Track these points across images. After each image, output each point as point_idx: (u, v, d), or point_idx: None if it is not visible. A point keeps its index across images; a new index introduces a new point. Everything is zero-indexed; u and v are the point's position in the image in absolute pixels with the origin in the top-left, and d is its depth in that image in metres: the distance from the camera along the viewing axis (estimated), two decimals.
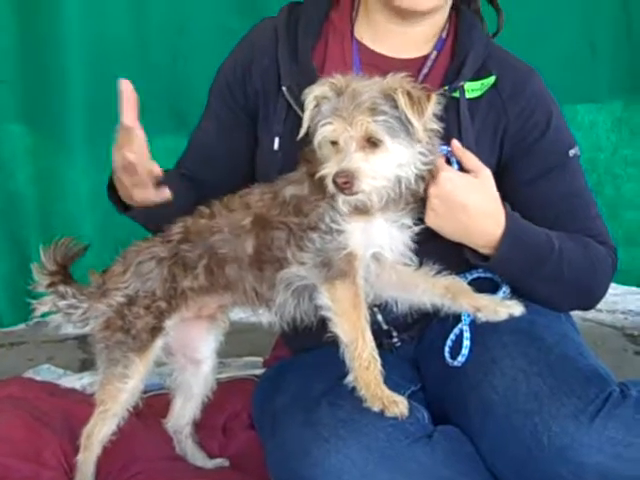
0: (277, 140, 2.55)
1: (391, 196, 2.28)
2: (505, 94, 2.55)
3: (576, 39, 4.57)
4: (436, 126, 2.31)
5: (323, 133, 2.25)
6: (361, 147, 2.21)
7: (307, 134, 2.34)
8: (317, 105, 2.30)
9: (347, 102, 2.22)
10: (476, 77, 2.53)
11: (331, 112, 2.24)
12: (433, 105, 2.26)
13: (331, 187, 2.22)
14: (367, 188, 2.21)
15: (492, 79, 2.54)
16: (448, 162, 2.43)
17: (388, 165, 2.23)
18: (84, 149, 4.26)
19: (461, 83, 2.50)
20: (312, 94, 2.30)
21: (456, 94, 2.51)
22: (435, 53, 2.59)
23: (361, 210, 2.29)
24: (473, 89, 2.52)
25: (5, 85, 4.19)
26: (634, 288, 4.49)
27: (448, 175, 2.37)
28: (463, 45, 2.57)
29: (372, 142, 2.21)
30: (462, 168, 2.44)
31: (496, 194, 2.43)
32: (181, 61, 4.29)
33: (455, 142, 2.42)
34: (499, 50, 2.62)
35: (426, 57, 2.59)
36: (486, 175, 2.42)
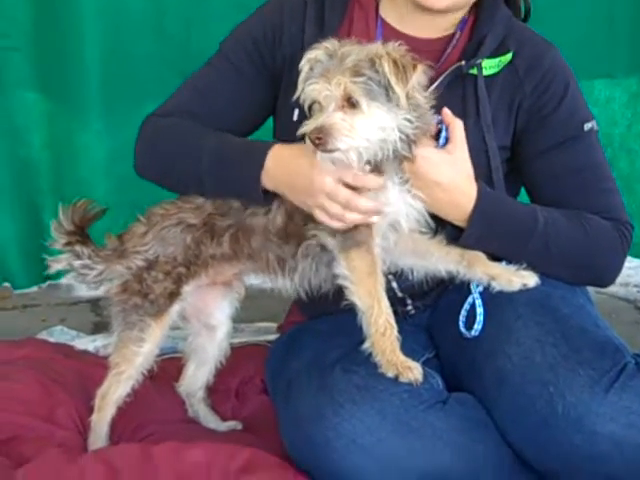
0: (297, 111, 2.53)
1: (377, 157, 2.27)
2: (522, 69, 2.54)
3: (594, 14, 4.56)
4: (420, 96, 2.28)
5: (307, 93, 2.26)
6: (340, 107, 2.20)
7: None
8: (311, 68, 2.30)
9: (335, 64, 2.23)
10: (494, 54, 2.52)
11: (319, 73, 2.25)
12: (419, 75, 2.25)
13: (308, 144, 2.22)
14: (342, 146, 2.20)
15: (509, 56, 2.52)
16: (439, 131, 2.42)
17: (366, 126, 2.21)
18: (99, 115, 4.27)
19: (479, 60, 2.49)
20: (307, 57, 2.30)
21: (474, 71, 2.50)
22: (459, 33, 2.57)
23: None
24: (490, 66, 2.51)
25: (20, 52, 4.18)
26: None
27: (421, 152, 2.34)
28: (483, 24, 2.55)
29: (352, 103, 2.20)
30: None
31: (468, 168, 2.42)
32: (195, 30, 4.27)
33: (445, 109, 2.40)
34: (520, 28, 2.61)
35: (450, 37, 2.58)
36: (460, 149, 2.41)
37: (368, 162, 2.27)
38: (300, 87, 2.31)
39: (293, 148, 2.40)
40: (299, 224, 2.41)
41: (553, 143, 2.55)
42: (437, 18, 2.55)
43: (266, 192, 2.44)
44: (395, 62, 2.21)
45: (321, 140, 2.18)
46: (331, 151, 2.21)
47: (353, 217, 2.32)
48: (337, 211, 2.31)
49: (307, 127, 2.23)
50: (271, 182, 2.42)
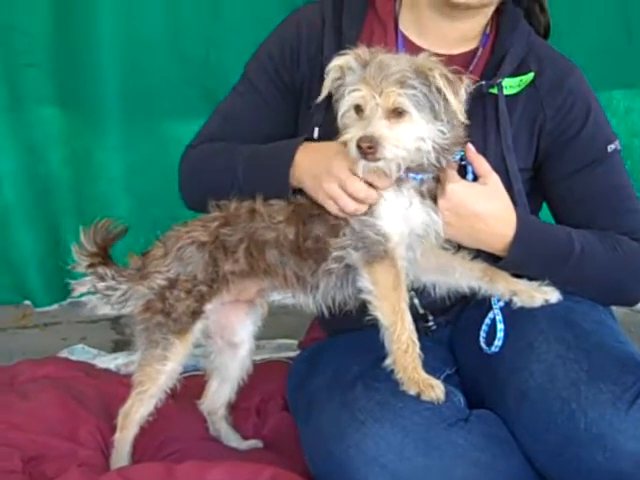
0: (317, 130, 2.55)
1: (412, 166, 2.29)
2: (543, 90, 2.53)
3: (612, 25, 4.53)
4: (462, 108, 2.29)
5: (351, 99, 2.26)
6: (386, 117, 2.22)
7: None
8: (340, 78, 2.31)
9: (375, 72, 2.24)
10: (515, 73, 2.52)
11: (358, 81, 2.26)
12: (465, 87, 2.27)
13: (353, 152, 2.24)
14: (389, 155, 2.22)
15: (531, 76, 2.52)
16: (462, 167, 2.43)
17: (410, 136, 2.24)
18: (117, 131, 4.28)
19: (499, 80, 2.49)
20: (336, 62, 2.32)
21: (494, 90, 2.49)
22: (481, 49, 2.58)
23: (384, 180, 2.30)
24: (511, 85, 2.51)
25: (38, 68, 4.19)
26: None
27: (455, 187, 2.38)
28: (503, 42, 2.55)
29: (397, 113, 2.22)
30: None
31: (506, 198, 2.44)
32: (214, 49, 4.29)
33: (469, 146, 2.42)
34: (541, 46, 2.60)
35: (472, 53, 2.58)
36: (494, 181, 2.43)
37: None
38: (326, 91, 2.34)
39: (321, 143, 2.45)
40: (314, 242, 2.41)
41: (577, 167, 2.55)
42: (458, 24, 2.55)
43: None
44: (446, 76, 2.24)
45: (371, 149, 2.20)
46: (377, 160, 2.23)
47: (362, 210, 2.34)
48: (348, 205, 2.33)
49: (352, 134, 2.24)
50: (297, 174, 2.45)
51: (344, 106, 2.29)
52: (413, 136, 2.24)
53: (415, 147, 2.25)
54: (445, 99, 2.24)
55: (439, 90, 2.24)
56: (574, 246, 2.47)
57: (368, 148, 2.20)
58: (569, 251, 2.47)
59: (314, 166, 2.43)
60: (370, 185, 2.32)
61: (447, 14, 2.53)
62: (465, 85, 2.27)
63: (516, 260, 2.44)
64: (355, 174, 2.31)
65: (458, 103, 2.25)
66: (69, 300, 4.26)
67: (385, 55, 2.30)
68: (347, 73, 2.30)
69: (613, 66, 4.50)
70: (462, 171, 2.45)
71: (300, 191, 2.46)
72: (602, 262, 2.50)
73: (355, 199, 2.33)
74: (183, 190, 2.78)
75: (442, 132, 2.29)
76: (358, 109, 2.26)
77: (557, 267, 2.46)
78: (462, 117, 2.27)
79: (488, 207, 2.42)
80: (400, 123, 2.23)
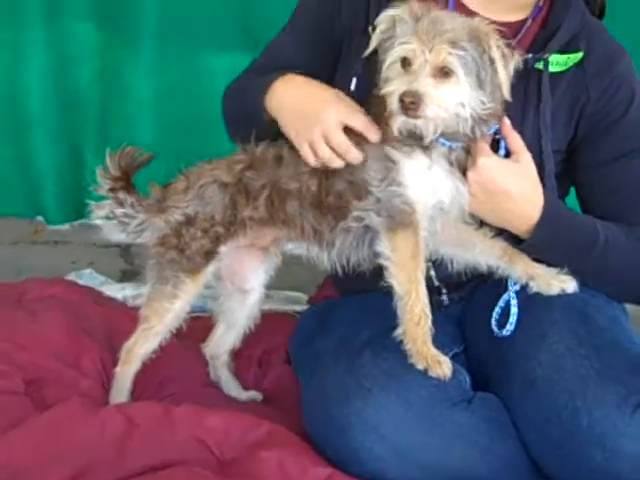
0: (355, 80, 2.51)
1: (445, 131, 2.26)
2: (590, 72, 2.48)
3: None
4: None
5: (399, 51, 2.23)
6: (432, 74, 2.19)
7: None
8: (390, 29, 2.28)
9: (428, 27, 2.20)
10: (564, 51, 2.46)
11: (410, 33, 2.22)
12: (515, 63, 2.24)
13: (395, 106, 2.21)
14: (431, 114, 2.19)
15: (579, 55, 2.47)
16: (496, 141, 2.40)
17: (454, 99, 2.21)
18: (151, 54, 4.24)
19: (546, 55, 2.44)
20: (387, 13, 2.28)
21: (540, 65, 2.44)
22: (530, 21, 2.52)
23: (414, 140, 2.29)
24: (558, 62, 2.45)
25: None
26: None
27: (487, 161, 2.35)
28: (556, 16, 2.49)
29: (444, 72, 2.19)
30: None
31: (536, 178, 2.41)
32: None
33: (505, 120, 2.38)
34: (594, 27, 2.54)
35: (521, 22, 2.52)
36: (527, 159, 2.39)
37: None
38: (375, 42, 2.30)
39: (310, 80, 2.45)
40: (335, 199, 2.39)
41: (614, 155, 2.51)
42: None
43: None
44: (502, 48, 2.21)
45: (414, 105, 2.17)
46: (417, 117, 2.20)
47: (336, 164, 2.35)
48: (324, 154, 2.34)
49: (395, 87, 2.21)
50: (274, 102, 2.46)
51: (391, 57, 2.25)
52: (456, 99, 2.21)
53: (455, 111, 2.22)
54: (494, 70, 2.21)
55: (491, 60, 2.21)
56: (599, 236, 2.44)
57: (411, 103, 2.17)
58: (593, 241, 2.44)
59: (298, 105, 2.43)
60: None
61: None
62: (515, 61, 2.24)
63: (538, 244, 2.41)
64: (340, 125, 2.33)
65: (506, 78, 2.22)
66: (81, 221, 4.25)
67: (440, 12, 2.26)
68: (399, 24, 2.26)
69: None
70: (495, 145, 2.41)
71: None
72: (626, 256, 2.48)
73: (335, 151, 2.33)
74: (225, 121, 2.75)
75: (482, 102, 2.25)
76: (405, 62, 2.22)
77: (579, 256, 2.43)
78: (507, 93, 2.25)
79: (518, 186, 2.38)
80: (445, 83, 2.20)
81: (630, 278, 2.52)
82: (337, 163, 2.35)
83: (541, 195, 2.41)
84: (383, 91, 2.26)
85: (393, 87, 2.22)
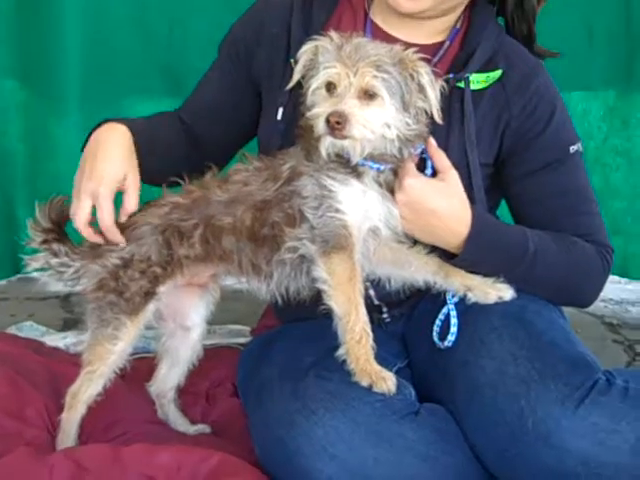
0: (281, 110, 2.55)
1: (373, 153, 2.30)
2: (510, 89, 2.53)
3: (574, 26, 4.55)
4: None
5: (324, 76, 2.27)
6: (358, 97, 2.23)
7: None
8: (313, 58, 2.33)
9: (351, 52, 2.25)
10: (483, 70, 2.52)
11: (333, 59, 2.27)
12: (440, 87, 2.31)
13: (321, 127, 2.24)
14: (357, 134, 2.23)
15: (498, 73, 2.52)
16: (423, 160, 2.44)
17: (379, 120, 2.25)
18: (76, 108, 4.21)
19: (467, 74, 2.50)
20: (310, 44, 2.34)
21: (461, 84, 2.50)
22: (448, 43, 2.59)
23: (345, 167, 2.32)
24: (478, 81, 2.51)
25: (0, 41, 4.13)
26: (615, 277, 4.49)
27: (412, 182, 2.39)
28: (473, 37, 2.55)
29: (369, 95, 2.24)
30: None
31: (463, 196, 2.45)
32: (178, 28, 4.23)
33: (431, 140, 2.43)
34: (510, 45, 2.60)
35: (439, 44, 2.59)
36: (452, 177, 2.43)
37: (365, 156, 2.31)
38: (299, 74, 2.36)
39: (124, 146, 2.51)
40: (269, 229, 2.40)
41: (538, 166, 2.56)
42: (422, 23, 2.55)
43: None
44: (428, 73, 2.28)
45: (340, 125, 2.21)
46: (344, 137, 2.24)
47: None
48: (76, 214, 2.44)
49: (322, 109, 2.25)
50: (91, 137, 2.55)
51: (316, 82, 2.29)
52: (382, 120, 2.26)
53: (381, 133, 2.27)
54: (421, 94, 2.28)
55: (420, 86, 2.28)
56: (528, 246, 2.48)
57: (337, 123, 2.21)
58: (523, 251, 2.48)
59: (88, 155, 2.51)
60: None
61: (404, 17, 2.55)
62: (440, 86, 2.31)
63: (469, 258, 2.45)
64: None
65: (437, 102, 2.29)
66: (18, 276, 4.21)
67: (362, 38, 2.31)
68: (321, 53, 2.31)
69: (572, 68, 4.50)
70: (422, 164, 2.45)
71: None
72: (555, 263, 2.52)
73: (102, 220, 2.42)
74: None
75: (408, 124, 2.30)
76: (329, 87, 2.27)
77: (510, 267, 2.47)
78: (438, 117, 2.31)
79: (444, 204, 2.42)
80: (370, 105, 2.24)
81: (561, 284, 2.56)
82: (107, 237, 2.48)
83: (468, 211, 2.44)
84: (309, 114, 2.30)
85: (319, 109, 2.26)
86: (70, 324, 3.69)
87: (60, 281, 2.57)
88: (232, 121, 2.75)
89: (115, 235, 2.45)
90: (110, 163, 2.47)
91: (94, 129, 2.60)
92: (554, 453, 2.22)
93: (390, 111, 2.26)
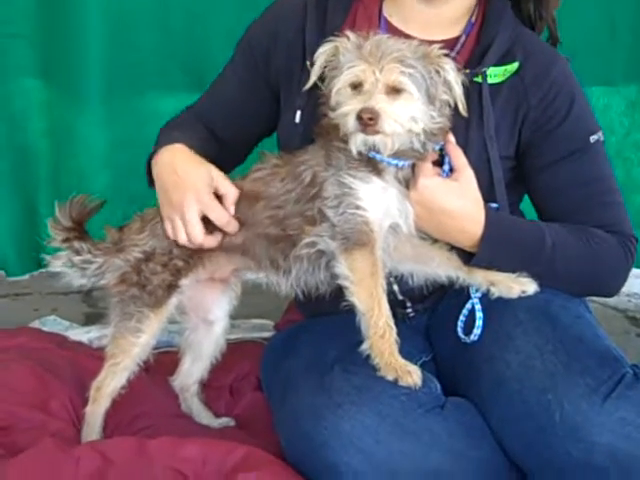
0: (299, 113, 2.56)
1: (400, 148, 2.30)
2: (528, 80, 2.52)
3: (596, 21, 4.53)
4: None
5: (349, 75, 2.26)
6: (385, 92, 2.23)
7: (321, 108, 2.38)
8: (332, 60, 2.33)
9: (373, 50, 2.25)
10: (500, 63, 2.51)
11: (356, 58, 2.26)
12: (462, 81, 2.32)
13: (352, 124, 2.24)
14: (389, 129, 2.23)
15: (515, 66, 2.51)
16: (441, 157, 2.44)
17: (407, 114, 2.26)
18: (99, 105, 4.22)
19: (484, 69, 2.49)
20: (330, 44, 2.33)
21: (478, 79, 2.49)
22: (464, 37, 2.58)
23: (366, 166, 2.33)
24: (495, 74, 2.50)
25: (23, 39, 4.14)
26: (638, 271, 4.48)
27: (426, 182, 2.39)
28: (489, 31, 2.54)
29: (396, 90, 2.24)
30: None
31: (477, 195, 2.44)
32: (199, 25, 4.23)
33: (450, 137, 2.42)
34: (527, 36, 2.59)
35: (455, 40, 2.58)
36: (466, 177, 2.43)
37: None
38: (318, 72, 2.36)
39: (186, 158, 2.53)
40: (291, 229, 2.41)
41: (559, 156, 2.54)
42: (442, 8, 2.55)
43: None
44: (452, 68, 2.29)
45: (372, 121, 2.21)
46: (376, 133, 2.24)
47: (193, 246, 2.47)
48: (182, 239, 2.45)
49: (351, 107, 2.24)
50: (155, 171, 2.56)
51: (340, 83, 2.29)
52: (410, 114, 2.26)
53: (409, 127, 2.27)
54: (446, 87, 2.29)
55: (446, 81, 2.29)
56: (545, 242, 2.47)
57: (369, 120, 2.20)
58: (540, 248, 2.47)
59: (165, 186, 2.52)
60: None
61: (427, 4, 2.55)
62: (462, 77, 2.32)
63: (486, 258, 2.44)
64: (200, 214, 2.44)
65: (461, 95, 2.30)
66: (40, 271, 4.22)
67: (381, 36, 2.31)
68: (342, 53, 2.30)
69: (594, 62, 4.49)
70: (440, 161, 2.45)
71: None
72: (575, 257, 2.50)
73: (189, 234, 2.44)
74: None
75: (433, 117, 2.31)
76: (355, 86, 2.26)
77: (529, 263, 2.45)
78: (463, 109, 2.33)
79: (457, 204, 2.42)
80: (398, 100, 2.24)
81: (582, 277, 2.54)
82: (194, 246, 2.48)
83: (482, 211, 2.44)
84: (336, 113, 2.29)
85: (348, 107, 2.25)
86: (93, 318, 3.70)
87: (83, 277, 2.59)
88: (250, 121, 2.76)
89: (235, 225, 2.46)
90: (193, 173, 2.49)
91: (149, 160, 2.63)
92: (582, 447, 2.20)
93: (417, 105, 2.26)
